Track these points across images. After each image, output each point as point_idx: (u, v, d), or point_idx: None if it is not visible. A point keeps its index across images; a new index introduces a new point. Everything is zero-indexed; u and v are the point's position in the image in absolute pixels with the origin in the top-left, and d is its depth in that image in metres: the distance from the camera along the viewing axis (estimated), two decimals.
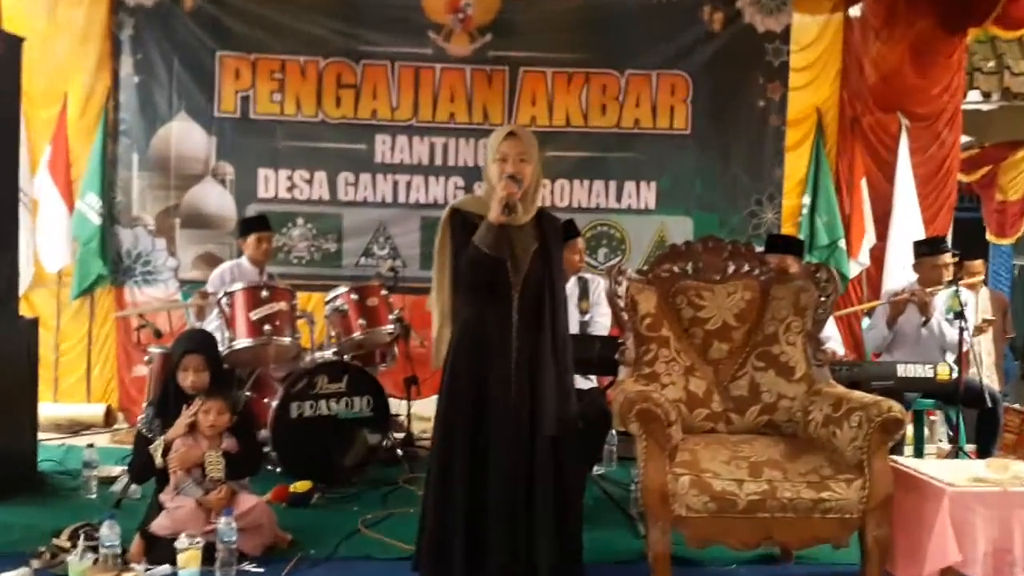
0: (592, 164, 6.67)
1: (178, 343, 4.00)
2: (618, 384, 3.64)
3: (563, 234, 3.64)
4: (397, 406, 5.44)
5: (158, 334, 5.19)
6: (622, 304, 3.74)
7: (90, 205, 6.36)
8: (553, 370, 3.18)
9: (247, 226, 5.68)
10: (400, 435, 5.49)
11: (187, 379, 3.82)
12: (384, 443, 5.03)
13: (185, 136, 6.47)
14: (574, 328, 4.18)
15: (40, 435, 5.01)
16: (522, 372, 3.15)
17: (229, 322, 4.77)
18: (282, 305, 4.82)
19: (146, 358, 5.13)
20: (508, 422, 3.12)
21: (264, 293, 4.80)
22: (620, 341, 3.74)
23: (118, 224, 6.49)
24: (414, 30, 6.50)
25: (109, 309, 6.47)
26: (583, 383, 4.47)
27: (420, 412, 5.68)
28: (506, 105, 6.56)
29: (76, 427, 6.17)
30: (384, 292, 5.28)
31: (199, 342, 3.97)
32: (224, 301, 4.81)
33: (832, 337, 5.06)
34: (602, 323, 4.98)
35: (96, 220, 6.35)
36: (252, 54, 6.45)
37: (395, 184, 6.58)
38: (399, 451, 5.27)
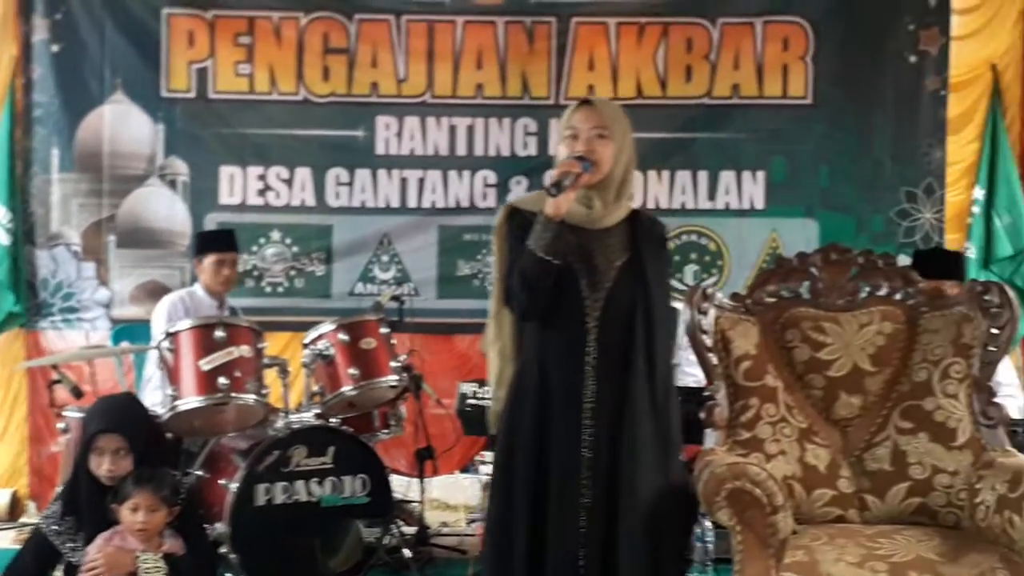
0: (674, 148, 5.91)
1: (89, 417, 3.77)
2: (704, 455, 3.33)
3: (666, 244, 3.29)
4: (405, 488, 5.05)
5: (77, 393, 4.58)
6: (709, 342, 3.45)
7: None
8: (650, 426, 2.89)
9: (204, 244, 5.24)
10: (409, 529, 4.98)
11: (101, 466, 3.58)
12: (386, 540, 4.59)
13: (122, 124, 5.82)
14: None
15: None
16: (601, 429, 2.89)
17: (172, 374, 4.30)
18: (244, 350, 4.37)
19: (61, 426, 4.53)
20: (572, 504, 2.85)
21: (219, 333, 4.32)
22: (707, 394, 3.42)
23: (31, 244, 5.85)
24: None
25: (19, 360, 5.76)
26: None
27: (438, 496, 5.41)
28: (553, 70, 5.84)
29: None
30: (385, 330, 4.75)
31: (116, 417, 3.71)
32: (166, 345, 4.34)
33: (1008, 385, 4.51)
34: (690, 371, 4.53)
35: (3, 239, 5.67)
36: (209, 11, 5.78)
37: (403, 182, 5.89)
38: (407, 551, 4.69)
